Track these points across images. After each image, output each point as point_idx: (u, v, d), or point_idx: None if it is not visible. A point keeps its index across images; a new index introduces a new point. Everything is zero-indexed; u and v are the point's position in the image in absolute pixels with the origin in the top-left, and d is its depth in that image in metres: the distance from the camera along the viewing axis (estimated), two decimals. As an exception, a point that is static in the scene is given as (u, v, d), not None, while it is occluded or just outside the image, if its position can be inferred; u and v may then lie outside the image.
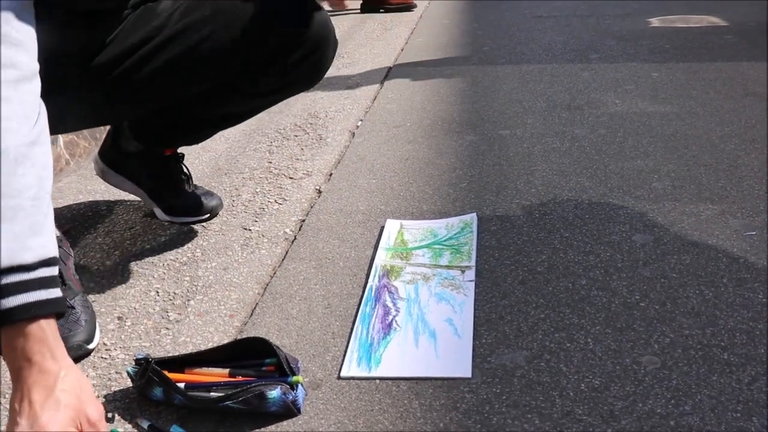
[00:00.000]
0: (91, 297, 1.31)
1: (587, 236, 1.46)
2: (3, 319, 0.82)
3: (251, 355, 1.06)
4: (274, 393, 0.97)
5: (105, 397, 1.07)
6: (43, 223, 0.87)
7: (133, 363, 1.05)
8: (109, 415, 0.97)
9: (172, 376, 1.02)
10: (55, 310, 0.85)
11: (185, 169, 1.64)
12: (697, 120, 2.08)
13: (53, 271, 0.86)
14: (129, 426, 1.00)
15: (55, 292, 0.86)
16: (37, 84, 0.91)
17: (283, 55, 1.34)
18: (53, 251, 0.87)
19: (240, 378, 1.03)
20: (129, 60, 1.24)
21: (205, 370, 1.05)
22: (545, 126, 2.11)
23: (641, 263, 1.35)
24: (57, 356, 0.85)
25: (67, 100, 1.17)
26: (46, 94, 0.93)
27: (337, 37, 1.43)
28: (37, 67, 0.91)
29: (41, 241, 0.86)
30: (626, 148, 1.91)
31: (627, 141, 1.96)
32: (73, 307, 1.19)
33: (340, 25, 3.46)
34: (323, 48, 1.39)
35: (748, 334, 1.13)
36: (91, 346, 1.17)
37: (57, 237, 1.13)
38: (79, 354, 1.15)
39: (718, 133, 1.97)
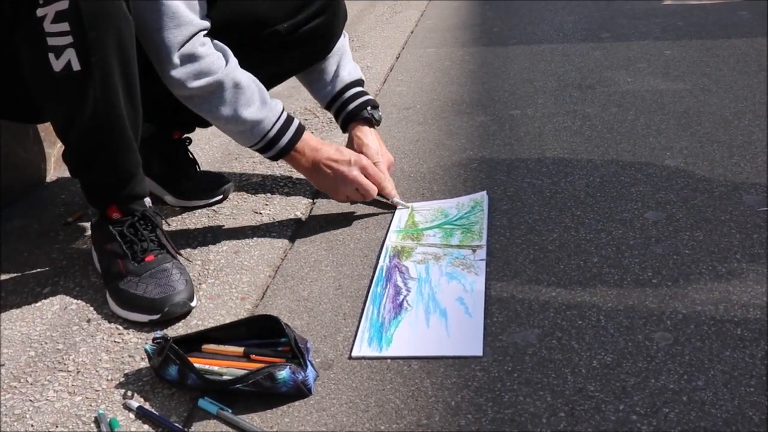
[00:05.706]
0: (103, 281, 1.32)
1: (599, 214, 1.45)
2: (295, 139, 1.41)
3: (267, 334, 1.06)
4: (284, 373, 0.98)
5: (119, 380, 1.08)
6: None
7: (151, 341, 1.06)
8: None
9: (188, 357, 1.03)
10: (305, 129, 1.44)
11: (191, 154, 1.64)
12: (710, 97, 2.06)
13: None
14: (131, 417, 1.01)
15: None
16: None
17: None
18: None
19: (253, 357, 1.03)
20: None
21: (221, 347, 1.06)
22: (556, 105, 2.09)
23: (653, 240, 1.34)
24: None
25: None
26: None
27: (347, 22, 1.48)
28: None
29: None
30: (638, 126, 1.89)
31: (639, 119, 1.94)
32: (174, 269, 1.24)
33: (350, 9, 3.41)
34: (333, 8, 1.55)
35: (761, 309, 1.12)
36: (193, 304, 1.22)
37: (152, 209, 1.28)
38: (184, 311, 1.20)
39: (731, 110, 1.95)
